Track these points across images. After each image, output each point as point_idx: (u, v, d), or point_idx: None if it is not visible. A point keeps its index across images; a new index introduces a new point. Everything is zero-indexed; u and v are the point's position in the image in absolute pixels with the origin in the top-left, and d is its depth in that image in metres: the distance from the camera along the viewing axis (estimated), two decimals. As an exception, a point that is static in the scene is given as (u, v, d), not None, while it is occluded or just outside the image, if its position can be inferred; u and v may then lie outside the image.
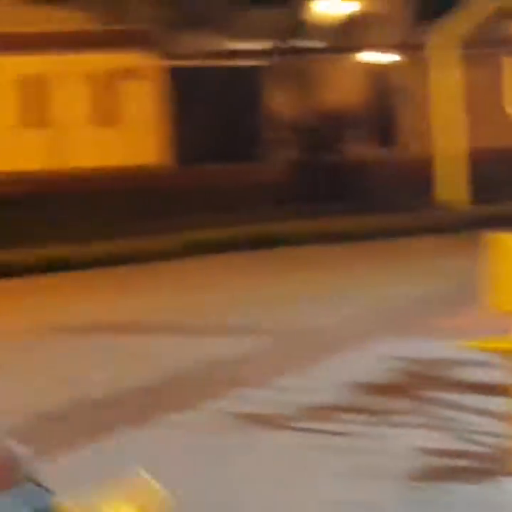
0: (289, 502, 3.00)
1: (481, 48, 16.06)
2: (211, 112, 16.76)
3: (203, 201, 11.07)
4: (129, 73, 17.64)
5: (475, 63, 13.92)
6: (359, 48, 17.61)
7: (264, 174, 13.54)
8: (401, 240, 9.32)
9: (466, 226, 9.34)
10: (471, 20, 12.17)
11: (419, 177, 11.80)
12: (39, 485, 1.25)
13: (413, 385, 4.54)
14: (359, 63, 18.11)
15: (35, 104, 17.85)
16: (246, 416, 4.00)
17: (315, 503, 3.00)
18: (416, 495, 3.14)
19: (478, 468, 3.37)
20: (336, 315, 6.16)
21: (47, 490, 1.22)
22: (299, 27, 16.20)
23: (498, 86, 19.37)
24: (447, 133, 11.93)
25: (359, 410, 4.09)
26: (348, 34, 16.95)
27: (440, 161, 11.68)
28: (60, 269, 8.20)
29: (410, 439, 3.63)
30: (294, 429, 3.88)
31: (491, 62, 18.10)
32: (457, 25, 12.23)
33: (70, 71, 17.43)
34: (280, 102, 16.01)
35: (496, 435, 3.48)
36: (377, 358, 4.89)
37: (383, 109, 17.50)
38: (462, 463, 3.42)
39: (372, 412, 4.04)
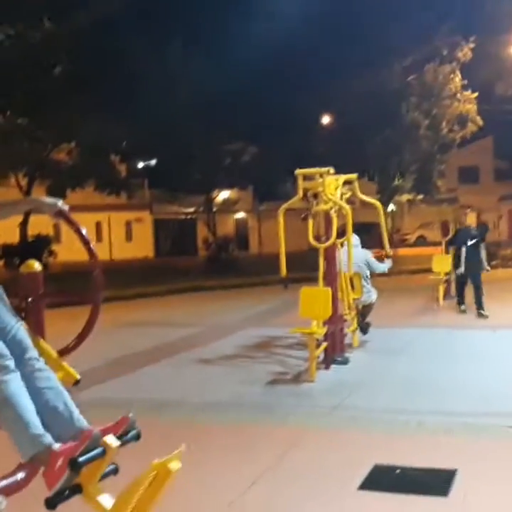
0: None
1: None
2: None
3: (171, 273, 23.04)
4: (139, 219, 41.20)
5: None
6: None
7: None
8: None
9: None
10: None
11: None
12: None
13: (266, 345, 9.77)
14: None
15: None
16: (199, 359, 8.95)
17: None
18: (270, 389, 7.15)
19: (293, 377, 7.63)
20: (233, 318, 13.15)
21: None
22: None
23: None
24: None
25: (246, 356, 9.13)
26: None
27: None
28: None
29: (265, 365, 8.38)
30: (220, 364, 8.63)
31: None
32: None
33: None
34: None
35: (300, 363, 8.09)
36: (249, 335, 10.68)
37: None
38: (287, 375, 7.73)
39: (250, 357, 9.01)
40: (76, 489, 2.29)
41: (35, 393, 2.44)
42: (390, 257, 9.44)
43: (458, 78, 29.19)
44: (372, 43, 27.33)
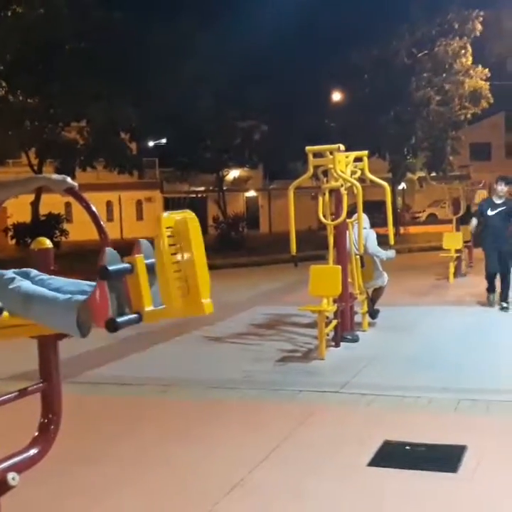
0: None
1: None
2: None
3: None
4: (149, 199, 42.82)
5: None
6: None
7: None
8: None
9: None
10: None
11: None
12: None
13: (276, 323, 9.89)
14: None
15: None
16: (208, 337, 9.11)
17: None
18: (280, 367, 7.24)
19: (303, 355, 7.72)
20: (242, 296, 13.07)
21: None
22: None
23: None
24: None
25: (255, 334, 9.24)
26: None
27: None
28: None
29: (275, 343, 8.50)
30: (229, 342, 8.74)
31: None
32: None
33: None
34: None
35: (309, 341, 8.20)
36: (259, 313, 10.83)
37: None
38: (297, 353, 7.84)
39: (260, 335, 9.09)
40: (136, 315, 2.16)
41: (57, 292, 2.38)
42: (393, 247, 9.06)
43: (469, 53, 28.78)
44: (383, 15, 27.11)
